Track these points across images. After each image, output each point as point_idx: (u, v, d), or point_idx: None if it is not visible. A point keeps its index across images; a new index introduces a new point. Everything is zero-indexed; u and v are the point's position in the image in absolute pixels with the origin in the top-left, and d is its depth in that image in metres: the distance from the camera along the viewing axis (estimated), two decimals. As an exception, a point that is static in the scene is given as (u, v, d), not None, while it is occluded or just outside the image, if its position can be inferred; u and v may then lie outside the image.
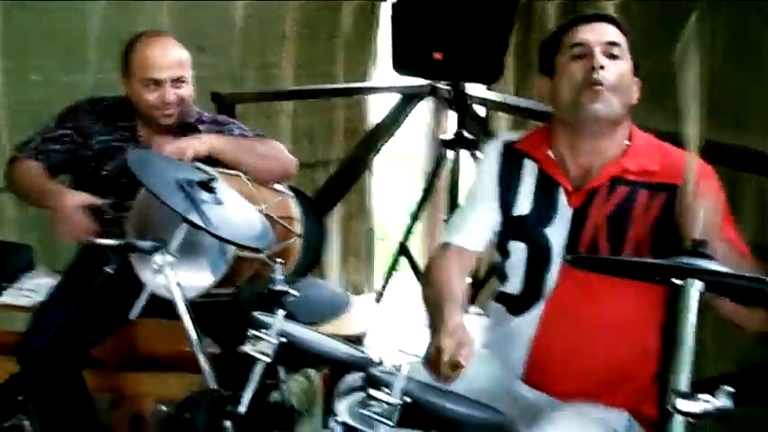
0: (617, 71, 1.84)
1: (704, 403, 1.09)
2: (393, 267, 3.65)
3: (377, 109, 4.17)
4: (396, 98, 4.04)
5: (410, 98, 4.01)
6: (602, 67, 1.82)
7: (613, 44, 1.86)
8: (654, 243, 1.81)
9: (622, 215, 1.84)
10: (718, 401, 1.10)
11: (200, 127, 2.49)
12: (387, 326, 3.12)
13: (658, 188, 1.83)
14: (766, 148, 2.52)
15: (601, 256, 1.81)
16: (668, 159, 1.86)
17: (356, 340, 2.37)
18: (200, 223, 1.77)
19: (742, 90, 2.69)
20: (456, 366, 1.59)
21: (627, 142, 1.89)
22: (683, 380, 1.12)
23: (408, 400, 1.34)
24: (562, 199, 1.88)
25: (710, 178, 1.81)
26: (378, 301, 3.63)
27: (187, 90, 2.42)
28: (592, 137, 1.87)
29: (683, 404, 1.09)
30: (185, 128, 2.46)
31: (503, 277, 1.99)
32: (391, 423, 1.33)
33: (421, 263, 3.49)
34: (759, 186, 2.62)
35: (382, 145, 4.11)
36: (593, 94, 1.81)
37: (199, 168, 2.13)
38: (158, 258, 1.77)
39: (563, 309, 1.85)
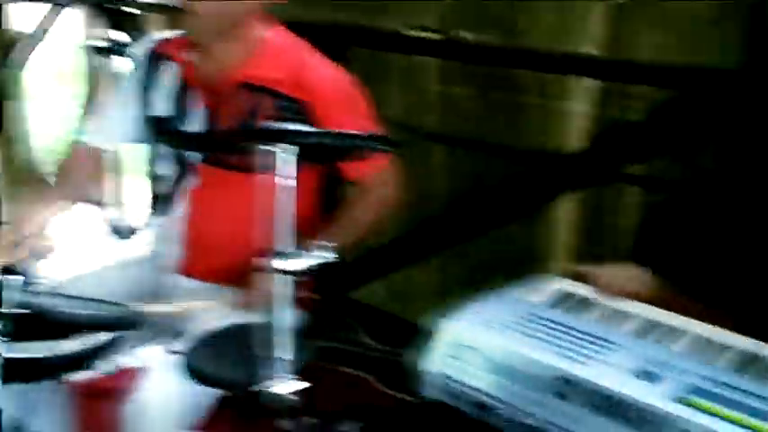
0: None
1: (303, 260, 1.15)
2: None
3: (20, 21, 3.81)
4: (41, 8, 3.71)
5: (57, 6, 3.69)
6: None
7: None
8: None
9: (251, 120, 1.86)
10: (317, 256, 1.17)
11: None
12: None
13: (286, 99, 1.85)
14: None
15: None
16: (301, 71, 1.87)
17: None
18: None
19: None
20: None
21: (256, 47, 1.88)
22: (282, 243, 1.17)
23: (22, 310, 1.27)
24: (196, 100, 1.90)
25: (349, 94, 1.87)
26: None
27: None
28: (210, 43, 1.86)
29: (283, 264, 1.14)
30: None
31: (153, 179, 2.03)
32: (6, 339, 1.25)
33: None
34: (404, 65, 2.78)
35: (28, 60, 3.77)
36: None
37: None
38: None
39: (204, 203, 1.91)
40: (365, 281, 2.94)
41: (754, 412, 1.31)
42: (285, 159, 1.17)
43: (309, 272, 1.18)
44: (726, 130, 2.12)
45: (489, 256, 2.51)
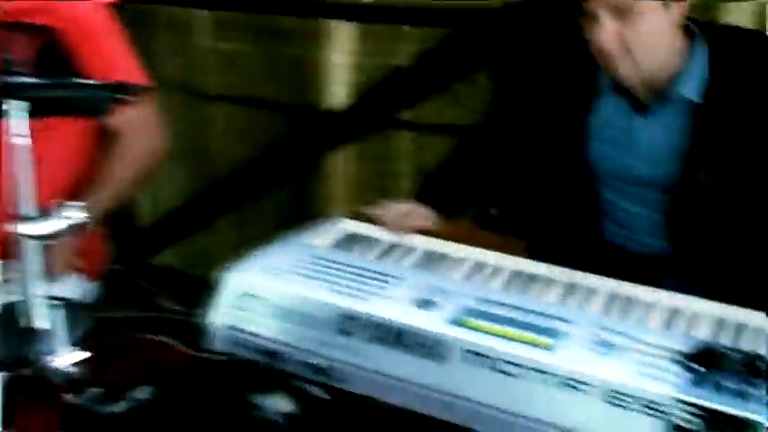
0: None
1: (51, 223, 1.10)
2: None
3: None
4: None
5: None
6: None
7: None
8: None
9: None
10: (67, 218, 1.11)
11: None
12: None
13: (35, 30, 1.74)
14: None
15: None
16: None
17: None
18: None
19: None
20: None
21: None
22: (26, 206, 1.10)
23: None
24: None
25: (104, 21, 1.81)
26: None
27: None
28: None
29: (29, 228, 1.08)
30: None
31: None
32: None
33: None
34: (177, 20, 2.69)
35: None
36: None
37: None
38: None
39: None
40: (163, 245, 2.87)
41: (524, 326, 1.38)
42: (17, 116, 1.09)
43: (60, 235, 1.12)
44: (494, 69, 2.21)
45: (282, 211, 2.51)
